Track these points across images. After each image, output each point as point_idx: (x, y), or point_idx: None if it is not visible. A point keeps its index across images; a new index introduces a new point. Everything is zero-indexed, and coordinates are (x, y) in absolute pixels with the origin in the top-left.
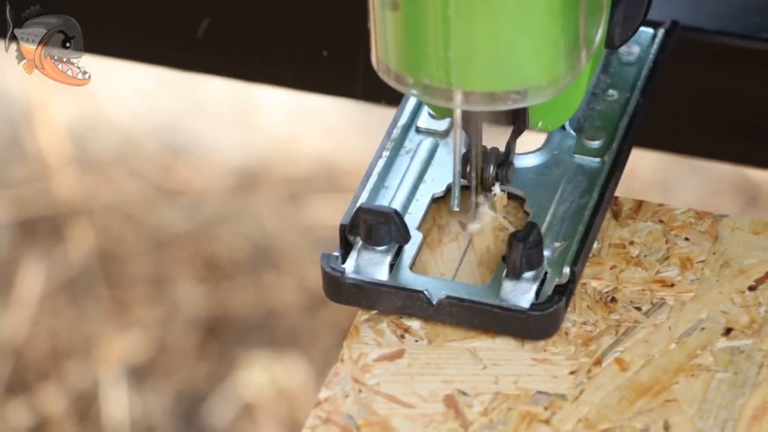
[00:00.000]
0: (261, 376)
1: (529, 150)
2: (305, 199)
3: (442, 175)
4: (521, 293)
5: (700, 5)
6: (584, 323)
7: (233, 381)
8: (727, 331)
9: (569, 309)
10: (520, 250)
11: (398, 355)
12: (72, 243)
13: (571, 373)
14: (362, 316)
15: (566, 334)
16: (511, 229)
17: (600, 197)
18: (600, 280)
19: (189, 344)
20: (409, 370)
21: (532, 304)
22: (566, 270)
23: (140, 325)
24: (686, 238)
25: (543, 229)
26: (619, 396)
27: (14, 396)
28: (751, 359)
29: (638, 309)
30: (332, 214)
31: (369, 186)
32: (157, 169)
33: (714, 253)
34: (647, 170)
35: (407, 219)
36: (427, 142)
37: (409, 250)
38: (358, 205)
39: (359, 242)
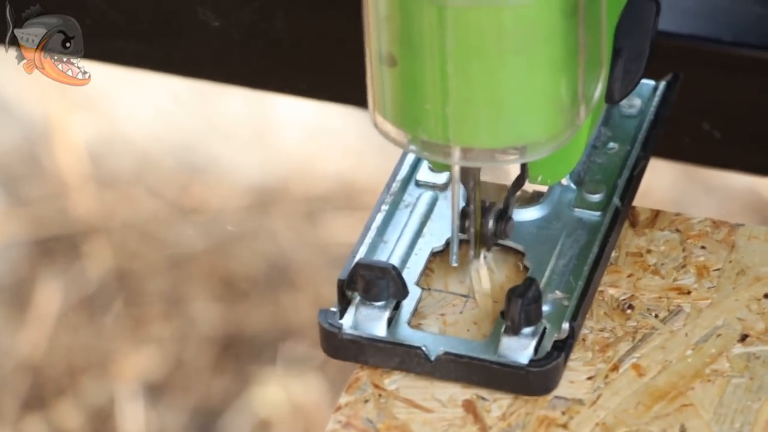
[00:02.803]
0: (276, 393)
1: (529, 204)
2: (322, 218)
3: (442, 229)
4: (520, 349)
5: (717, 16)
6: (601, 330)
7: (249, 397)
8: (743, 338)
9: (587, 316)
10: (519, 306)
11: None
12: (89, 261)
13: (589, 378)
14: None
15: (584, 340)
16: (511, 285)
17: (600, 251)
18: (617, 287)
19: (205, 361)
20: (429, 376)
21: (531, 360)
22: (565, 325)
23: (156, 341)
24: (703, 247)
25: (542, 284)
26: (636, 401)
27: (31, 412)
28: (766, 365)
29: (655, 316)
30: (349, 232)
31: (367, 240)
32: (175, 187)
33: (730, 262)
34: (661, 190)
35: (406, 274)
36: (427, 196)
37: (408, 305)
38: (356, 260)
39: (357, 297)
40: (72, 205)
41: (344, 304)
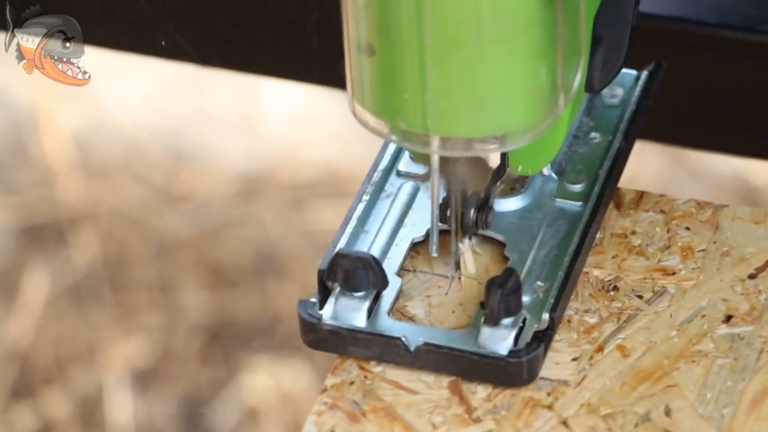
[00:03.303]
0: (265, 381)
1: (510, 194)
2: (309, 205)
3: (423, 219)
4: (499, 340)
5: None
6: (586, 311)
7: (237, 386)
8: (728, 318)
9: (572, 297)
10: (498, 297)
11: None
12: (76, 248)
13: (574, 359)
14: None
15: (569, 321)
16: (490, 275)
17: (581, 241)
18: (602, 268)
19: (193, 349)
20: (408, 366)
21: (510, 351)
22: (545, 316)
23: (144, 330)
24: (687, 228)
25: (523, 274)
26: (621, 382)
27: (19, 400)
28: (750, 345)
29: (640, 297)
30: (336, 219)
31: (348, 231)
32: (162, 174)
33: (715, 242)
34: (647, 176)
35: (386, 264)
36: (408, 186)
37: (388, 295)
38: (336, 250)
39: (337, 288)
40: (59, 192)
41: (324, 294)
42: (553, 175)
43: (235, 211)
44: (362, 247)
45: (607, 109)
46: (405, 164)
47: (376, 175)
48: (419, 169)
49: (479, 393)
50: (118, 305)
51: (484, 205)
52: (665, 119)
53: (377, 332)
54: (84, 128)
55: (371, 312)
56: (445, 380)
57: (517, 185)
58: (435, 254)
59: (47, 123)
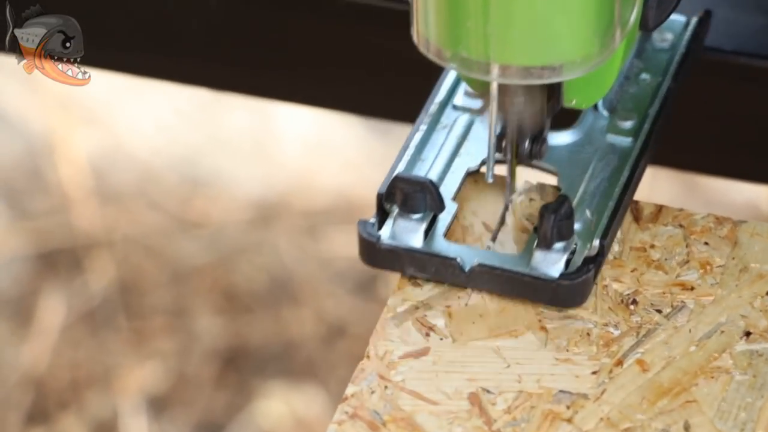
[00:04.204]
0: (279, 407)
1: (563, 128)
2: (323, 232)
3: (478, 150)
4: (551, 263)
5: (718, 25)
6: (606, 324)
7: (251, 411)
8: (746, 335)
9: (591, 311)
10: (552, 221)
11: (423, 352)
12: (92, 274)
13: (593, 373)
14: (387, 313)
15: (588, 335)
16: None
17: (630, 175)
18: (621, 282)
19: (208, 375)
20: (434, 368)
21: (562, 274)
22: (596, 242)
23: (159, 355)
24: (706, 243)
25: (574, 204)
26: (641, 396)
27: (35, 425)
28: None
29: (659, 311)
30: (350, 246)
31: (406, 158)
32: (177, 201)
33: (733, 258)
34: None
35: (442, 189)
36: (464, 119)
37: (444, 219)
38: (395, 174)
39: (395, 210)
40: (75, 218)
41: (382, 216)
42: (605, 112)
43: (249, 237)
44: (419, 173)
45: (658, 52)
46: (461, 98)
47: (433, 108)
48: (475, 104)
49: (499, 405)
50: (133, 331)
51: (539, 137)
52: (680, 145)
53: (434, 252)
54: (99, 155)
55: (428, 233)
56: (465, 391)
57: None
58: (491, 180)
59: (63, 149)
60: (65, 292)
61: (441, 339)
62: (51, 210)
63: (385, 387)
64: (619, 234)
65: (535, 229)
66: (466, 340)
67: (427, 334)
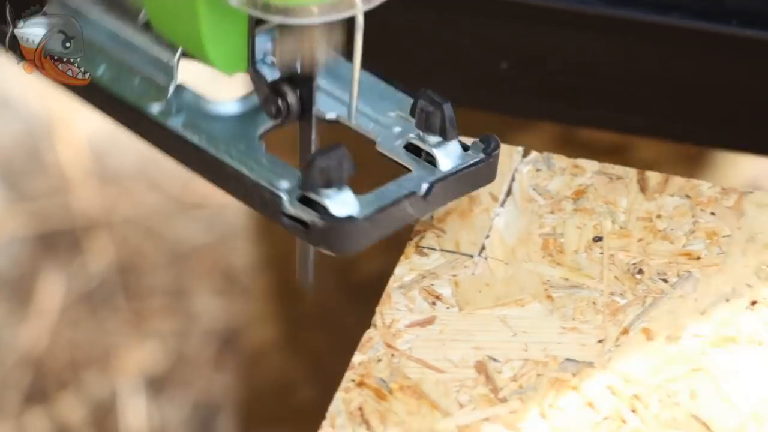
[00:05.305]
0: None
1: None
2: None
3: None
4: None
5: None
6: (612, 293)
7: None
8: (752, 304)
9: (597, 279)
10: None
11: (430, 321)
12: (91, 255)
13: (599, 341)
14: (395, 282)
15: (594, 303)
16: None
17: None
18: (627, 252)
19: (206, 355)
20: (441, 336)
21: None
22: None
23: (158, 336)
24: (712, 213)
25: None
26: (646, 364)
27: (33, 405)
28: None
29: (665, 281)
30: None
31: None
32: (176, 182)
33: (739, 228)
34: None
35: None
36: None
37: None
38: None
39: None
40: (74, 200)
41: None
42: None
43: (248, 218)
44: None
45: None
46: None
47: None
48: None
49: (505, 373)
50: (132, 311)
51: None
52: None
53: None
54: (99, 136)
55: None
56: (472, 359)
57: None
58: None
59: (62, 131)
60: (64, 273)
61: (447, 308)
62: (50, 191)
63: (392, 355)
64: (625, 203)
65: None
66: (472, 309)
67: (434, 303)
